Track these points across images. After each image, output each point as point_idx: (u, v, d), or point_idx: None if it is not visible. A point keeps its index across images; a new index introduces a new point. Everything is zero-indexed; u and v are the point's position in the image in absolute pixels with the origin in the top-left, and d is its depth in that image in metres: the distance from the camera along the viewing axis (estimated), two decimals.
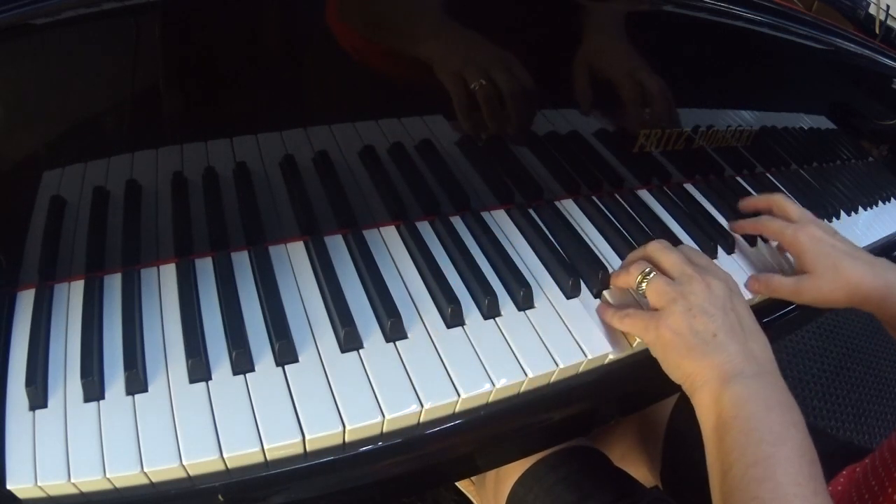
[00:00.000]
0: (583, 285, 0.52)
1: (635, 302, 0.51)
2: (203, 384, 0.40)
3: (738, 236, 0.63)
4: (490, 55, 0.49)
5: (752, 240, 0.64)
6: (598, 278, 0.52)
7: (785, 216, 0.59)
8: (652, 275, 0.48)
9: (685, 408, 0.67)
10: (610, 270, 0.54)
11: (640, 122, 0.60)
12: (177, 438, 0.37)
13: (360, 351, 0.43)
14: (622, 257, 0.56)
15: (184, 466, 0.36)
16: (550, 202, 0.60)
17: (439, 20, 0.45)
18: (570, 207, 0.61)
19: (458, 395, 0.42)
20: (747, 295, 0.56)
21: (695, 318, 0.44)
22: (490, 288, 0.48)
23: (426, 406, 0.41)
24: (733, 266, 0.60)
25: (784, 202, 0.61)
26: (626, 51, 0.55)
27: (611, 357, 0.48)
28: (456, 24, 0.46)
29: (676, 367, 0.45)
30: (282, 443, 0.37)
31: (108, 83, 0.39)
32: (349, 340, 0.43)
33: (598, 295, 0.52)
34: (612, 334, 0.49)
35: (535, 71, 0.52)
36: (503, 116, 0.52)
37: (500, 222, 0.57)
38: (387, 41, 0.45)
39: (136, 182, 0.43)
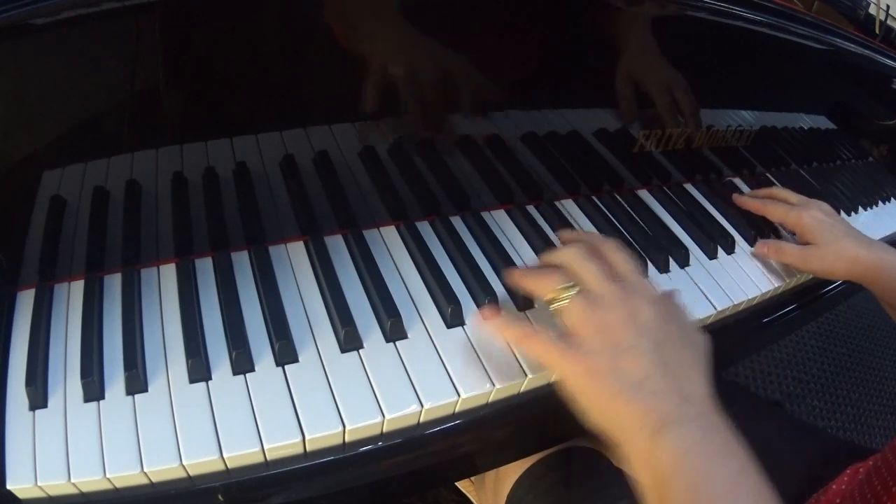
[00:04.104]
0: None
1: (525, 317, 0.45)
2: (203, 384, 0.40)
3: (738, 236, 0.63)
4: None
5: (752, 239, 0.64)
6: None
7: (786, 202, 0.64)
8: (570, 294, 0.40)
9: None
10: None
11: (646, 122, 0.60)
12: (177, 438, 0.37)
13: (360, 351, 0.43)
14: None
15: (184, 466, 0.36)
16: (550, 202, 0.60)
17: (394, 21, 0.44)
18: (570, 207, 0.61)
19: (458, 395, 0.42)
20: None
21: (620, 357, 0.38)
22: (490, 288, 0.48)
23: (426, 406, 0.41)
24: (733, 266, 0.60)
25: (782, 191, 0.66)
26: (624, 52, 0.55)
27: None
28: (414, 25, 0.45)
29: (596, 411, 0.38)
30: (282, 443, 0.37)
31: (108, 83, 0.39)
32: (349, 340, 0.43)
33: None
34: None
35: (539, 72, 0.52)
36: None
37: (500, 222, 0.57)
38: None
39: (136, 182, 0.43)
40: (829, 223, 0.60)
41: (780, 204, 0.64)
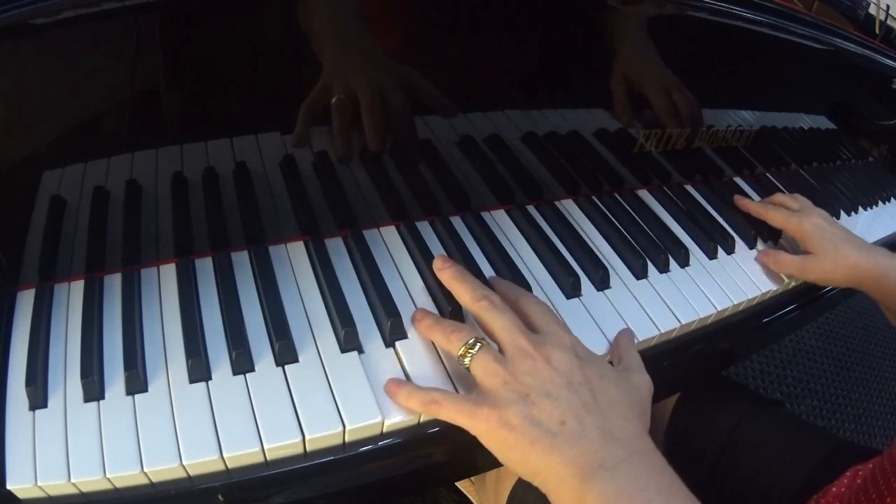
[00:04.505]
0: (583, 285, 0.52)
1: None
2: (203, 384, 0.40)
3: (737, 237, 0.63)
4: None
5: (752, 239, 0.64)
6: (598, 278, 0.52)
7: (786, 207, 0.65)
8: (477, 348, 0.40)
9: (685, 408, 0.67)
10: (610, 271, 0.54)
11: (645, 122, 0.61)
12: (177, 438, 0.37)
13: (361, 350, 0.43)
14: (621, 257, 0.57)
15: (184, 466, 0.36)
16: (550, 202, 0.60)
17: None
18: (570, 207, 0.61)
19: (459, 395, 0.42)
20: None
21: (534, 405, 0.36)
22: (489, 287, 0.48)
23: None
24: (733, 266, 0.60)
25: (782, 196, 0.67)
26: (624, 52, 0.55)
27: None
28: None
29: (518, 463, 0.37)
30: (282, 443, 0.37)
31: (108, 83, 0.39)
32: (349, 340, 0.43)
33: (601, 289, 0.52)
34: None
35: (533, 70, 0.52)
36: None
37: (500, 222, 0.57)
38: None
39: (136, 182, 0.43)
40: (830, 230, 0.60)
41: (780, 209, 0.64)
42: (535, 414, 0.36)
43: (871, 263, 0.58)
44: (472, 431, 0.38)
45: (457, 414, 0.38)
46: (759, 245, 0.64)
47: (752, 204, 0.67)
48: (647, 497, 0.34)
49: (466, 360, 0.40)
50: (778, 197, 0.67)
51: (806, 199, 0.67)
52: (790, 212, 0.63)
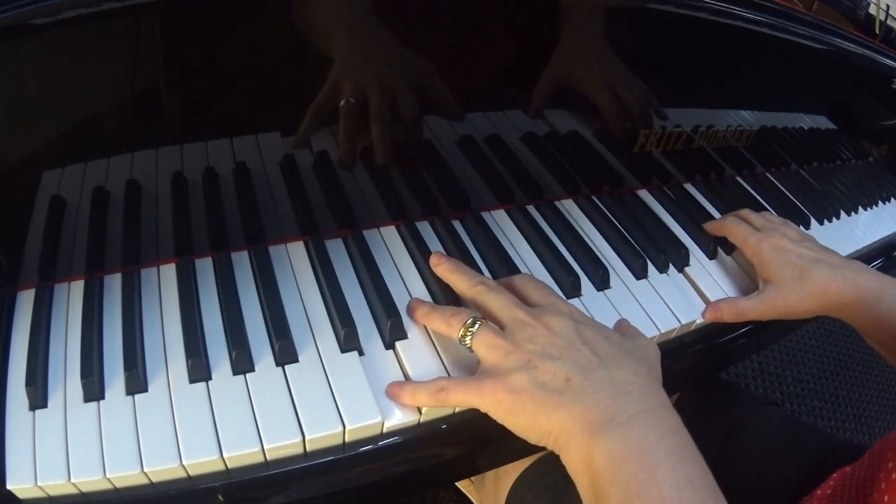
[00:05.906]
0: (583, 285, 0.52)
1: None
2: (203, 384, 0.40)
3: None
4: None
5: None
6: (598, 278, 0.52)
7: (749, 223, 0.58)
8: (477, 326, 0.40)
9: (684, 408, 0.67)
10: (610, 271, 0.54)
11: (639, 122, 0.60)
12: (177, 438, 0.37)
13: (360, 351, 0.43)
14: (621, 257, 0.57)
15: (184, 466, 0.36)
16: (550, 202, 0.60)
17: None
18: (570, 207, 0.61)
19: None
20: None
21: (536, 368, 0.37)
22: None
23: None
24: (733, 265, 0.60)
25: (749, 213, 0.60)
26: (620, 52, 0.55)
27: None
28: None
29: (529, 428, 0.37)
30: (282, 443, 0.37)
31: (108, 83, 0.39)
32: (349, 340, 0.43)
33: (601, 288, 0.53)
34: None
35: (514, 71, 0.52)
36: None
37: (500, 222, 0.57)
38: None
39: (136, 182, 0.43)
40: (794, 252, 0.53)
41: (742, 225, 0.58)
42: (539, 377, 0.36)
43: (847, 288, 0.50)
44: (482, 408, 0.38)
45: (464, 394, 0.38)
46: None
47: (715, 222, 0.61)
48: (655, 460, 0.33)
49: (467, 340, 0.40)
50: (744, 212, 0.61)
51: (777, 218, 0.60)
52: (751, 230, 0.57)
